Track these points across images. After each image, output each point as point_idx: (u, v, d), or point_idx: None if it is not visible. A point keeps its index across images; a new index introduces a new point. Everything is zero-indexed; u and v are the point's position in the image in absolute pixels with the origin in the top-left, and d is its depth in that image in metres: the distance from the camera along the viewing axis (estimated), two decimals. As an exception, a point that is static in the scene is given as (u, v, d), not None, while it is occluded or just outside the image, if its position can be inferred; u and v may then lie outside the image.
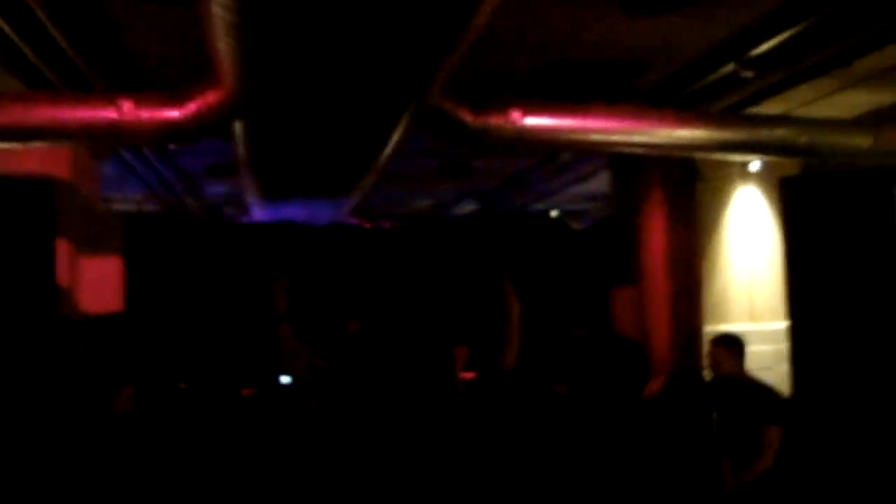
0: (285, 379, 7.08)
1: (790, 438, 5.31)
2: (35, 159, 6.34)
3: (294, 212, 9.61)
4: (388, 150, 6.42)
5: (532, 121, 5.76)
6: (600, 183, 9.75)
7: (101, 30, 5.48)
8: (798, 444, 5.49)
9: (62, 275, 6.40)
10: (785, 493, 5.25)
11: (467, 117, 5.64)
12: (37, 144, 5.58)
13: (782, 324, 7.07)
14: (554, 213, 12.55)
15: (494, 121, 5.69)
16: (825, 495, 5.37)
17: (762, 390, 5.49)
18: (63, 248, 6.48)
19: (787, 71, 5.73)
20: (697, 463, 3.32)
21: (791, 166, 7.45)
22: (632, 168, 8.09)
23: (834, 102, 6.68)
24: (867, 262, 5.79)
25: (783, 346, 6.94)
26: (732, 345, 5.70)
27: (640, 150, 6.27)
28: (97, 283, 7.20)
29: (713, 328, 7.13)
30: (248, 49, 4.14)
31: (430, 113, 5.54)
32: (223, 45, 4.15)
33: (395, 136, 5.98)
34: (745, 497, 5.16)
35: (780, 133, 6.17)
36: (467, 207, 13.77)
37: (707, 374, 6.18)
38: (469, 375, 7.00)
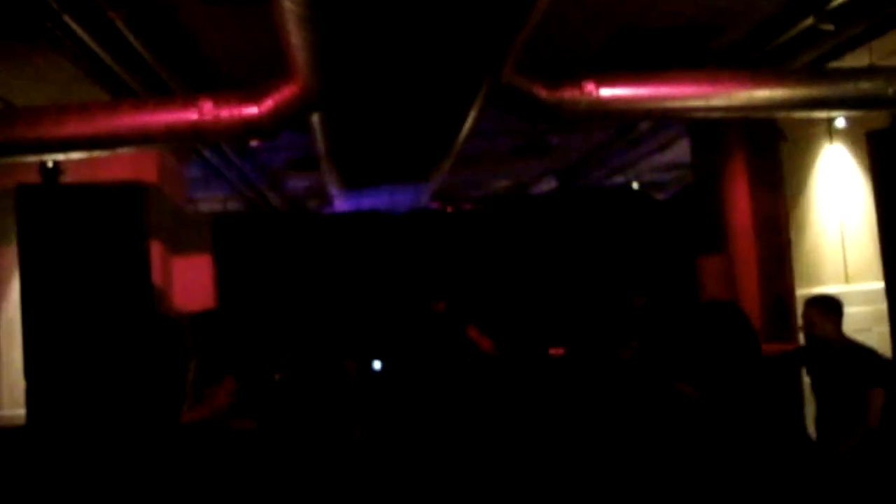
0: (377, 365, 7.18)
1: (894, 400, 5.16)
2: (123, 166, 6.55)
3: (376, 200, 9.70)
4: (465, 130, 6.43)
5: (607, 91, 5.70)
6: (680, 151, 9.60)
7: (177, 36, 5.63)
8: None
9: (156, 276, 6.60)
10: (890, 455, 5.11)
11: (542, 93, 5.61)
12: (124, 150, 5.77)
13: (879, 284, 6.86)
14: (635, 185, 12.40)
15: (569, 94, 5.64)
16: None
17: (862, 352, 5.33)
18: (156, 251, 6.69)
19: (869, 21, 5.54)
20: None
21: (880, 119, 7.21)
22: (712, 133, 7.94)
23: (922, 49, 6.43)
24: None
25: (881, 307, 6.74)
26: (828, 306, 5.52)
27: (719, 115, 6.15)
28: (189, 282, 7.42)
29: (805, 291, 6.96)
30: (319, 41, 4.20)
31: (504, 91, 5.53)
32: (295, 39, 4.22)
33: (471, 117, 5.99)
34: (852, 461, 5.03)
35: (865, 86, 5.96)
36: (547, 185, 13.72)
37: (801, 338, 6.04)
38: (558, 352, 7.01)
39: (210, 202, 12.41)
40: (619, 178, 12.46)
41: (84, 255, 6.11)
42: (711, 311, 3.12)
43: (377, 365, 7.14)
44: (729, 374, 2.87)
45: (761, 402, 3.15)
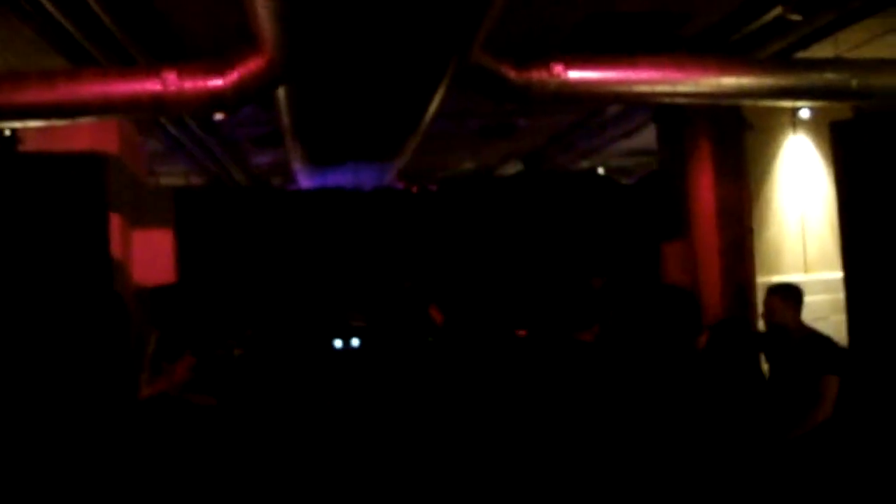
0: (338, 343, 7.16)
1: (847, 388, 5.23)
2: (83, 136, 6.43)
3: (340, 178, 9.64)
4: (432, 110, 6.40)
5: (575, 74, 5.69)
6: (647, 137, 9.64)
7: (141, 4, 5.52)
8: (855, 394, 5.40)
9: (115, 248, 6.50)
10: (842, 443, 5.20)
11: (510, 73, 5.59)
12: (85, 120, 5.66)
13: (837, 273, 6.96)
14: (601, 170, 12.45)
15: (537, 75, 5.63)
16: (883, 445, 5.29)
17: (818, 340, 5.41)
18: (115, 223, 6.59)
19: (836, 12, 5.57)
20: (745, 413, 3.29)
21: (843, 111, 7.28)
22: (678, 120, 7.97)
23: (887, 42, 6.49)
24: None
25: (838, 296, 6.84)
26: (788, 295, 5.59)
27: (685, 100, 6.17)
28: (150, 255, 7.32)
29: (766, 280, 7.04)
30: (286, 11, 4.14)
31: (472, 70, 5.50)
32: (262, 10, 4.16)
33: (438, 96, 5.96)
34: (803, 447, 5.10)
35: (829, 77, 6.01)
36: (513, 168, 13.73)
37: (761, 325, 6.11)
38: (520, 333, 7.02)
39: (172, 176, 12.26)
40: (585, 163, 12.51)
41: (42, 226, 6.00)
42: (666, 297, 3.14)
43: (338, 343, 7.12)
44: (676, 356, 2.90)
45: (711, 389, 3.18)
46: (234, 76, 5.29)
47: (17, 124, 5.71)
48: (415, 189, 9.21)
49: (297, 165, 9.65)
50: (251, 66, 5.24)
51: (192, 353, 5.01)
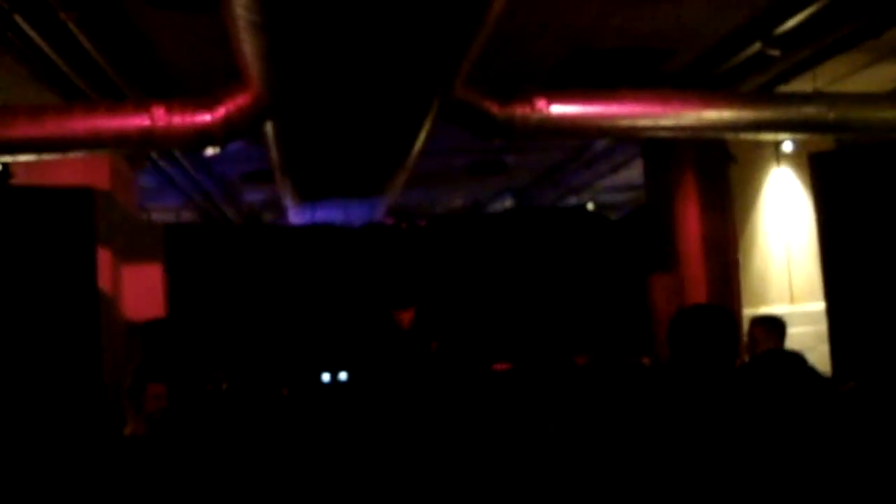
0: (326, 377, 7.16)
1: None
2: (75, 170, 6.49)
3: (330, 214, 9.69)
4: (418, 145, 6.47)
5: (558, 109, 5.78)
6: (635, 172, 9.72)
7: (131, 40, 5.61)
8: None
9: (105, 283, 6.53)
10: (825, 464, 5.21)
11: (493, 108, 5.68)
12: (74, 154, 5.72)
13: (822, 304, 7.01)
14: (590, 206, 12.52)
15: (521, 110, 5.72)
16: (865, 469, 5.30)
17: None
18: (105, 257, 6.63)
19: (815, 47, 5.68)
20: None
21: (826, 144, 7.38)
22: (664, 154, 8.07)
23: (866, 76, 6.60)
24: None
25: (823, 328, 6.88)
26: (771, 325, 5.61)
27: (668, 134, 6.26)
28: (140, 291, 7.35)
29: (752, 311, 7.08)
30: (272, 48, 4.22)
31: (456, 106, 5.59)
32: (248, 47, 4.24)
33: (424, 131, 6.03)
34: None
35: (808, 110, 6.11)
36: (503, 205, 13.81)
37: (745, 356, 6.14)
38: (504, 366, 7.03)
39: (163, 212, 12.31)
40: (574, 199, 12.59)
41: (31, 260, 6.04)
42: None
43: (342, 376, 7.09)
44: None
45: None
46: (221, 112, 5.38)
47: (8, 158, 5.77)
48: (404, 225, 9.24)
49: (288, 201, 9.71)
50: (238, 101, 5.32)
51: (167, 384, 4.99)
